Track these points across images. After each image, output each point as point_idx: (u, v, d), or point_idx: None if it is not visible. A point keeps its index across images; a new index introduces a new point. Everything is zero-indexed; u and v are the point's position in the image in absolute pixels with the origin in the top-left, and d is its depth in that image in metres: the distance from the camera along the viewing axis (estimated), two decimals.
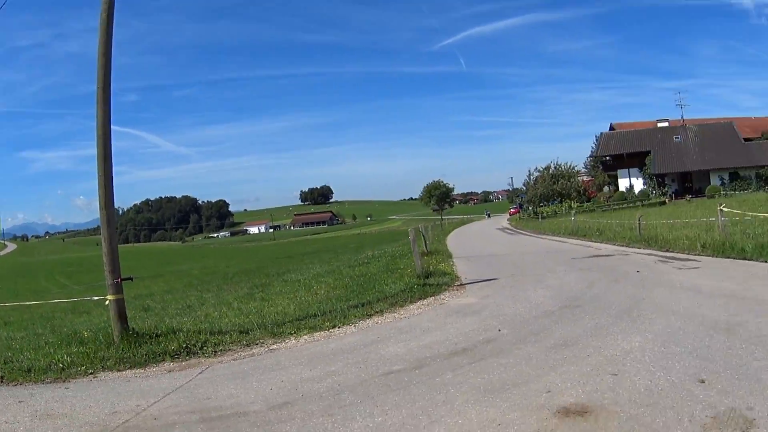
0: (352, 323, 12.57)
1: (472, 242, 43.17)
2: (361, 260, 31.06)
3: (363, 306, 14.25)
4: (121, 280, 12.90)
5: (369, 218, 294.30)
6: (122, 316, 12.65)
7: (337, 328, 12.17)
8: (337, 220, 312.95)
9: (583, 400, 6.18)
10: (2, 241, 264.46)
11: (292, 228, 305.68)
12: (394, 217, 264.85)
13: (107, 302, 12.87)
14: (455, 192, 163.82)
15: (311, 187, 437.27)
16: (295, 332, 12.07)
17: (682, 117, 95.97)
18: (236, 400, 7.83)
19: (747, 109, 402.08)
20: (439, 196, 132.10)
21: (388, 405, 6.87)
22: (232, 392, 8.22)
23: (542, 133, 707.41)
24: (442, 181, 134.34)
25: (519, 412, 6.08)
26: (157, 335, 12.38)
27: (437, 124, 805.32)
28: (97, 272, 63.08)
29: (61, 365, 10.77)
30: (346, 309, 14.00)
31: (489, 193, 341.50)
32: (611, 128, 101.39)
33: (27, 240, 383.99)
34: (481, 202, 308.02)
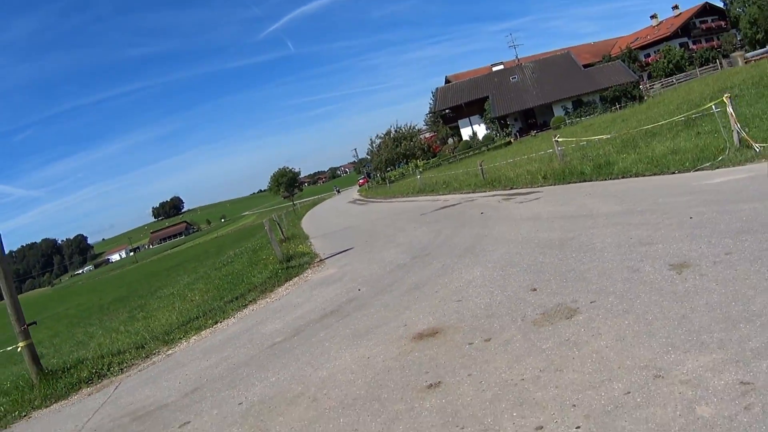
0: (232, 315, 13.72)
1: (325, 220, 44.30)
2: (225, 261, 32.04)
3: (237, 299, 15.40)
4: (27, 325, 13.82)
5: (222, 219, 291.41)
6: (35, 359, 13.47)
7: (219, 323, 13.26)
8: (193, 228, 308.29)
9: (433, 325, 7.58)
10: None
11: (151, 246, 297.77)
12: (246, 213, 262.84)
13: (19, 349, 13.75)
14: (303, 175, 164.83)
15: (162, 201, 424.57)
16: (184, 336, 13.10)
17: (516, 57, 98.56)
18: (154, 398, 8.93)
19: (586, 35, 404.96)
20: (286, 182, 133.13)
21: (278, 367, 8.14)
22: (149, 394, 9.33)
23: (380, 100, 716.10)
24: (288, 167, 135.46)
25: (383, 346, 7.45)
26: (67, 368, 13.30)
27: (275, 113, 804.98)
28: None
29: None
30: (223, 305, 15.12)
31: (335, 169, 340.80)
32: (447, 81, 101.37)
33: None
34: (330, 179, 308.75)
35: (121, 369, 12.21)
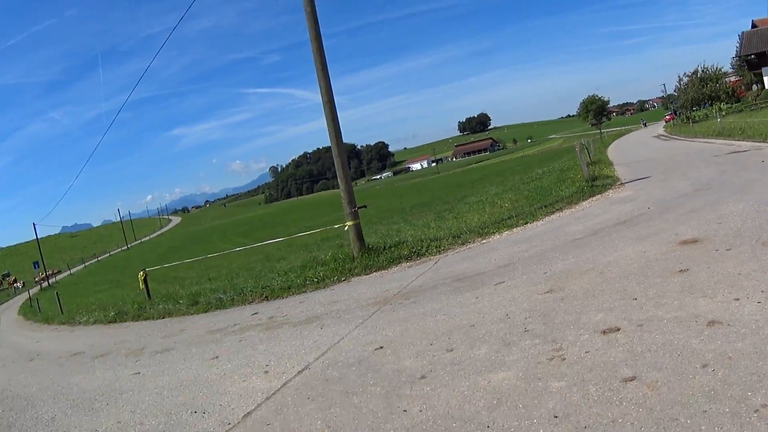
0: (540, 219, 16.53)
1: (630, 151, 45.42)
2: (533, 177, 34.67)
3: (545, 207, 18.12)
4: (357, 208, 17.49)
5: (529, 140, 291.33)
6: (360, 237, 17.37)
7: (528, 224, 16.17)
8: (498, 145, 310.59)
9: (695, 236, 9.83)
10: (165, 216, 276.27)
11: (454, 159, 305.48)
12: (553, 136, 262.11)
13: (346, 227, 17.59)
14: (611, 104, 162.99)
15: (468, 116, 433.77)
16: (496, 230, 16.16)
17: None
18: (472, 268, 12.07)
19: None
20: (595, 110, 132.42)
21: (576, 253, 10.91)
22: (467, 266, 12.49)
23: (689, 36, 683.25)
24: (597, 95, 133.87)
25: (656, 246, 9.83)
26: (387, 247, 16.90)
27: (585, 39, 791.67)
28: (269, 229, 68.35)
29: (316, 279, 15.62)
30: (533, 210, 17.93)
31: (644, 102, 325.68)
32: (753, 26, 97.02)
33: (188, 211, 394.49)
34: (637, 112, 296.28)
35: (439, 251, 15.43)
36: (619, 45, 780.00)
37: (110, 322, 20.96)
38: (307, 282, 15.68)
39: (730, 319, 5.83)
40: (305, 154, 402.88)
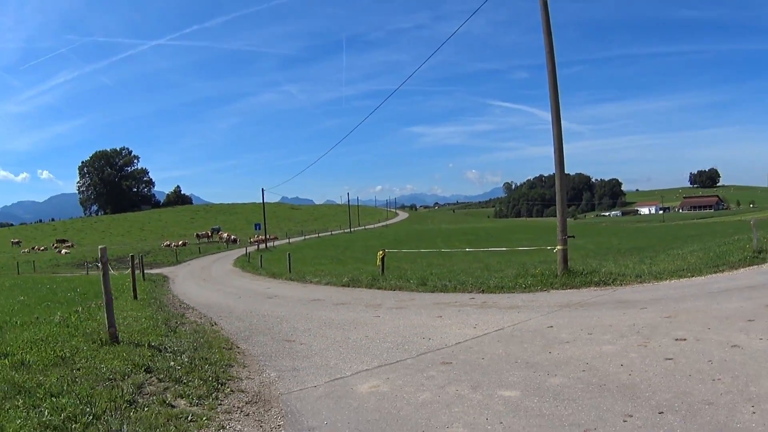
0: (702, 275, 20.00)
1: None
2: (725, 241, 37.01)
3: (712, 266, 21.50)
4: (567, 237, 21.89)
5: (752, 205, 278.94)
6: (565, 260, 21.77)
7: (694, 278, 19.61)
8: (723, 204, 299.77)
9: None
10: (393, 210, 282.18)
11: (680, 210, 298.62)
12: None
13: (555, 250, 22.07)
14: None
15: (700, 169, 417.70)
16: (668, 278, 19.71)
17: None
18: (634, 298, 16.04)
19: None
20: None
21: (706, 300, 14.62)
22: (633, 296, 16.46)
23: None
24: None
25: (753, 303, 13.20)
26: (583, 273, 21.14)
27: None
28: (493, 242, 71.83)
29: (524, 285, 20.28)
30: (701, 267, 21.40)
31: None
32: None
33: (416, 209, 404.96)
34: None
35: (621, 284, 19.36)
36: None
37: (343, 285, 26.45)
38: (516, 286, 20.34)
39: (749, 347, 9.90)
40: (541, 176, 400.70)
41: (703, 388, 7.78)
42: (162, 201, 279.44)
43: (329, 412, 7.98)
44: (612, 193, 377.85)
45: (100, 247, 12.03)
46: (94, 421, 6.91)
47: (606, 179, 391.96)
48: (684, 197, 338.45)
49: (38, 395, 7.66)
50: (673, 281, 19.33)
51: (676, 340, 10.51)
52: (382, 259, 28.52)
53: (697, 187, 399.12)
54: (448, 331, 13.20)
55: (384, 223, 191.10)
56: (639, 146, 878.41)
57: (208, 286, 35.86)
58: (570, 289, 19.33)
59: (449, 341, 12.03)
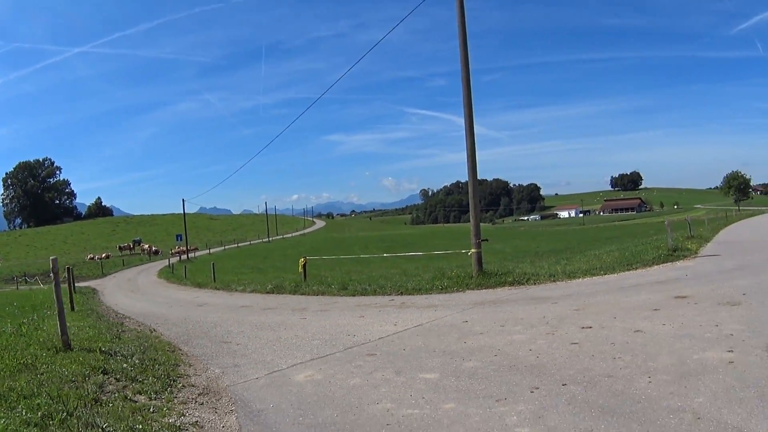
0: (616, 272, 21.29)
1: (737, 231, 48.31)
2: (642, 242, 38.40)
3: (627, 265, 22.83)
4: (480, 240, 22.97)
5: (676, 206, 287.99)
6: (480, 262, 22.80)
7: (607, 275, 20.86)
8: (646, 207, 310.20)
9: (687, 294, 14.38)
10: (310, 218, 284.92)
11: (601, 213, 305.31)
12: (698, 206, 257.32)
13: (470, 253, 23.12)
14: (758, 183, 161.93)
15: (621, 173, 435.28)
16: (582, 276, 20.93)
17: None
18: (548, 294, 17.19)
19: None
20: (737, 186, 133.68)
21: (615, 295, 15.94)
22: (546, 293, 17.61)
23: None
24: (740, 172, 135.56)
25: (658, 296, 14.56)
26: (498, 274, 22.23)
27: (740, 111, 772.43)
28: (411, 248, 72.46)
29: (440, 287, 21.22)
30: (615, 265, 22.74)
31: None
32: None
33: (332, 217, 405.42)
34: None
35: (534, 282, 20.56)
36: None
37: (268, 292, 27.23)
38: (433, 288, 21.21)
39: (652, 331, 11.00)
40: (458, 182, 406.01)
41: (604, 365, 8.81)
42: (83, 213, 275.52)
43: (273, 398, 8.81)
44: (531, 198, 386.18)
45: (51, 258, 12.72)
46: (68, 417, 7.45)
47: (524, 184, 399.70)
48: (605, 200, 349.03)
49: (12, 398, 8.16)
50: (586, 279, 20.56)
51: (583, 328, 11.60)
52: (304, 266, 29.56)
53: (619, 190, 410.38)
54: (371, 328, 14.00)
55: (302, 232, 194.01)
56: (559, 151, 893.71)
57: (138, 297, 36.35)
58: (485, 289, 20.38)
59: (373, 337, 12.83)
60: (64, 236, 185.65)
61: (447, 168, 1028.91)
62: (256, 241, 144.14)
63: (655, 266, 22.46)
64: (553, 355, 9.66)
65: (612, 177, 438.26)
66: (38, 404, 7.87)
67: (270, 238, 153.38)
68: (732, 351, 8.88)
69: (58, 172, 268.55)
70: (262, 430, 7.50)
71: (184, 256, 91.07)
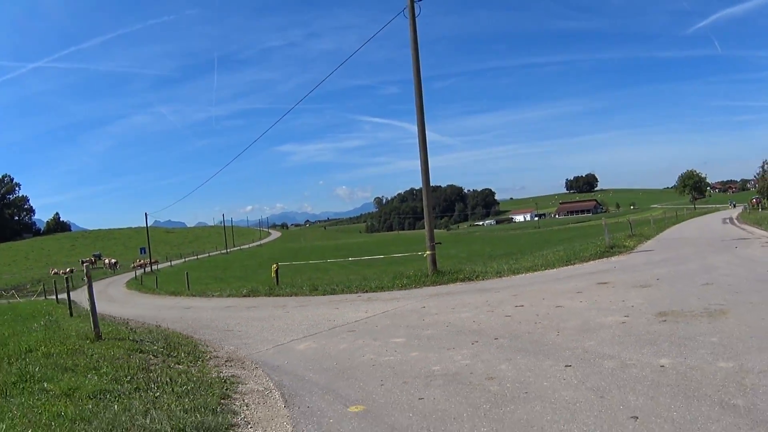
0: (555, 267, 24.61)
1: (681, 229, 52.16)
2: (590, 242, 41.10)
3: (566, 261, 26.15)
4: (434, 243, 26.36)
5: (632, 207, 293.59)
6: (434, 262, 26.29)
7: (547, 270, 24.17)
8: (602, 208, 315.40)
9: (610, 281, 17.87)
10: (266, 229, 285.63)
11: (557, 216, 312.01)
12: (655, 206, 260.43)
13: (425, 255, 26.49)
14: (715, 180, 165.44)
15: (576, 175, 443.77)
16: (525, 272, 24.31)
17: None
18: (493, 286, 20.63)
19: None
20: (692, 185, 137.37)
21: (552, 284, 19.43)
22: (491, 285, 21.05)
23: None
24: (695, 171, 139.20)
25: (583, 283, 17.96)
26: (451, 272, 25.65)
27: (696, 110, 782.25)
28: (367, 255, 75.52)
29: (400, 285, 24.54)
30: (556, 262, 26.02)
31: (747, 181, 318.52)
32: None
33: (287, 228, 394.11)
34: (739, 191, 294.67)
35: (483, 278, 23.93)
36: (728, 120, 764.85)
37: (244, 296, 30.16)
38: (395, 286, 24.43)
39: (570, 306, 14.40)
40: (412, 189, 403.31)
41: (527, 327, 12.21)
42: (42, 229, 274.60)
43: (284, 358, 11.94)
44: (485, 203, 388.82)
45: (84, 263, 16.77)
46: (133, 377, 9.88)
47: (479, 189, 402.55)
48: (560, 203, 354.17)
49: (80, 370, 10.29)
50: (528, 274, 23.83)
51: (516, 306, 15.05)
52: (276, 271, 33.11)
53: (574, 192, 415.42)
54: (346, 315, 17.22)
55: (258, 243, 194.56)
56: (513, 155, 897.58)
57: (121, 305, 38.23)
58: (440, 285, 23.61)
59: (349, 320, 16.08)
60: (26, 252, 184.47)
61: (401, 175, 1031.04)
62: (214, 253, 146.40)
63: (591, 261, 25.82)
64: (490, 323, 13.07)
65: (567, 180, 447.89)
66: (106, 371, 10.23)
67: (228, 250, 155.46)
68: (628, 316, 12.13)
69: (17, 188, 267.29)
70: (285, 374, 10.54)
71: (147, 269, 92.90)
